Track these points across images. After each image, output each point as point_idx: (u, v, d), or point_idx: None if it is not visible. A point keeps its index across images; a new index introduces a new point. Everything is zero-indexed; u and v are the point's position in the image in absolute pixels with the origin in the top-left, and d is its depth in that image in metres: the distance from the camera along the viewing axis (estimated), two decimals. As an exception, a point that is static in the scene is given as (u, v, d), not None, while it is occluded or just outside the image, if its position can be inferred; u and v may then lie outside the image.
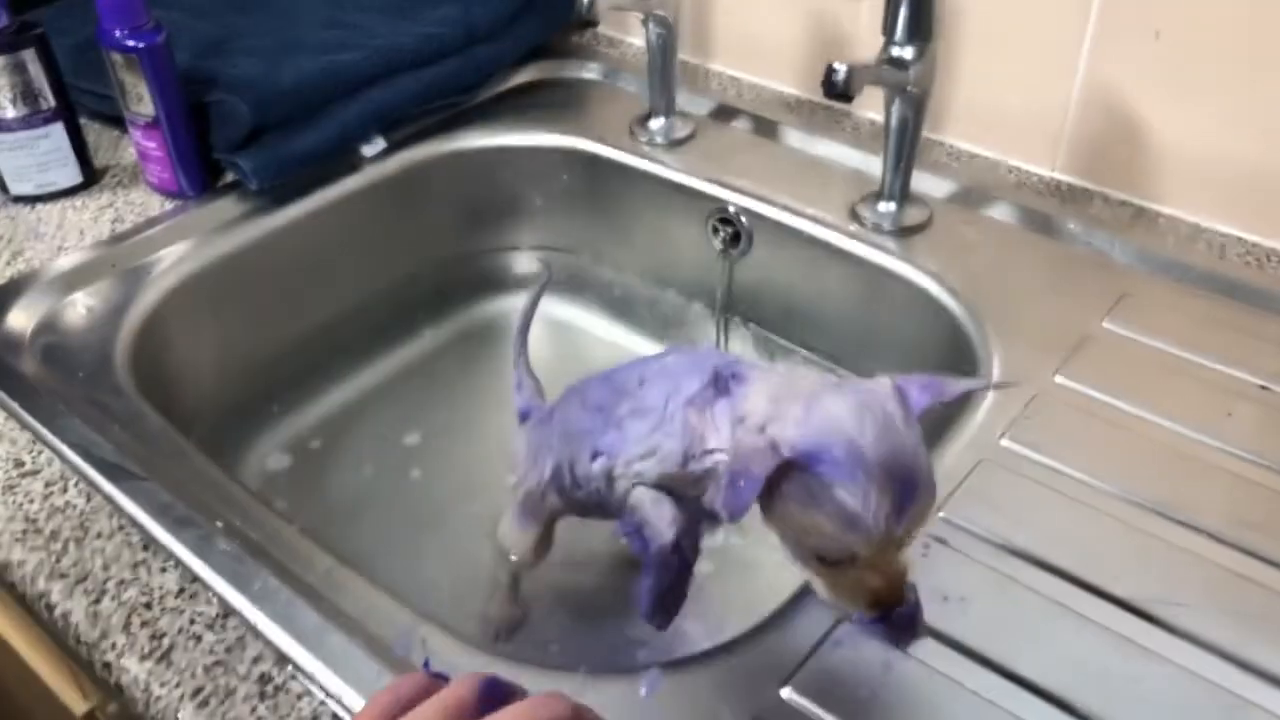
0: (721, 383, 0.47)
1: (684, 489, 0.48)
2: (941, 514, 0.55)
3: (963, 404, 0.63)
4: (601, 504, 0.54)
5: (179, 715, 0.47)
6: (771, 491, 0.42)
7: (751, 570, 0.70)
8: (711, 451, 0.46)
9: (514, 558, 0.63)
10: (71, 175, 0.83)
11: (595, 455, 0.52)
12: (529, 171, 0.94)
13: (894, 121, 0.73)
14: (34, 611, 0.55)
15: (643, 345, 0.93)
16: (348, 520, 0.77)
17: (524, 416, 0.64)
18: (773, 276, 0.85)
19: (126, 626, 0.51)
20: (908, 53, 0.69)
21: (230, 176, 0.84)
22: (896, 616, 0.47)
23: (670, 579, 0.49)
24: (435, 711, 0.33)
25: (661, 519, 0.49)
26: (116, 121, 0.87)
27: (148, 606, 0.52)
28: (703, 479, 0.47)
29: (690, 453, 0.47)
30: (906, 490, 0.41)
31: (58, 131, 0.81)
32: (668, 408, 0.48)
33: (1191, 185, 0.77)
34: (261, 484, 0.79)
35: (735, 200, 0.84)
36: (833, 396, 0.42)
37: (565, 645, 0.67)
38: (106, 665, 0.50)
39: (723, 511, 0.43)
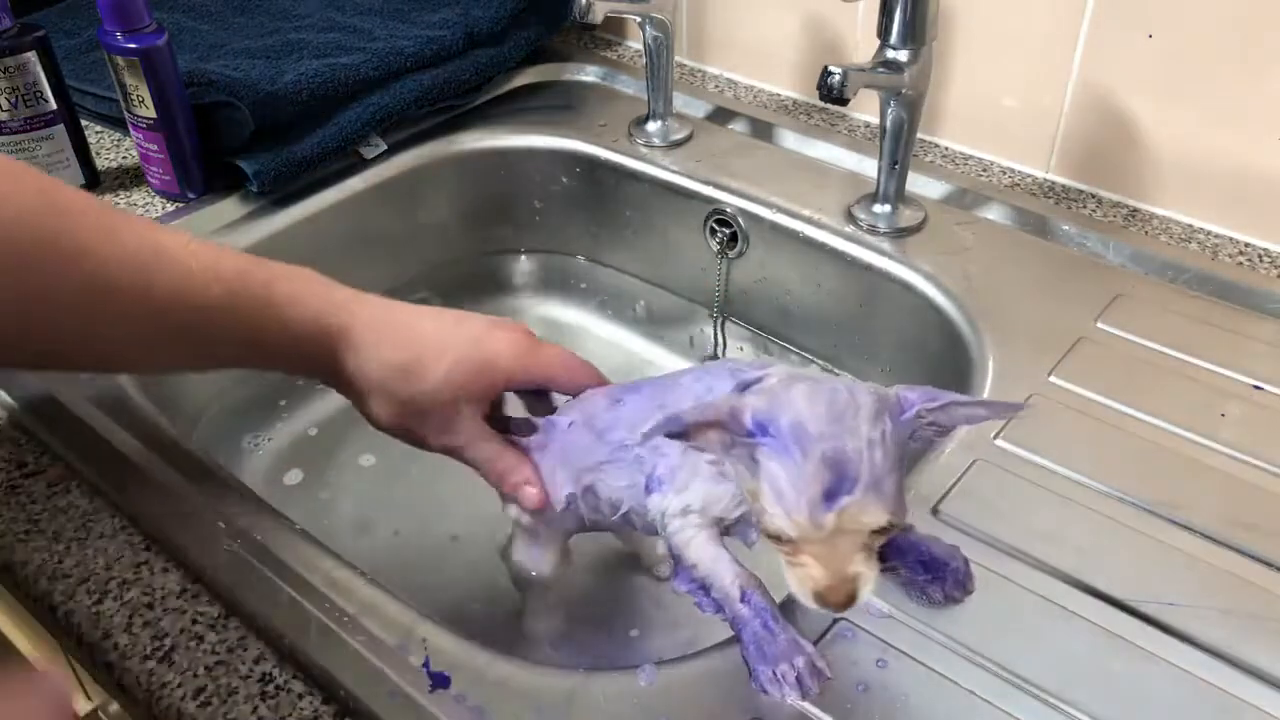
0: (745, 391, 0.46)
1: (729, 511, 0.48)
2: (937, 513, 0.55)
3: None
4: (628, 524, 0.55)
5: (180, 715, 0.47)
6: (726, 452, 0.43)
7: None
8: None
9: (536, 579, 0.62)
10: (73, 177, 0.83)
11: (648, 489, 0.51)
12: (528, 173, 0.95)
13: (889, 124, 0.74)
14: (36, 612, 0.56)
15: (641, 346, 0.93)
16: (348, 519, 0.78)
17: None
18: (769, 277, 0.85)
19: (128, 627, 0.51)
20: (902, 55, 0.70)
21: (231, 179, 0.84)
22: (949, 573, 0.48)
23: (756, 630, 0.48)
24: None
25: (724, 576, 0.48)
26: (118, 123, 0.88)
27: (149, 607, 0.52)
28: (743, 501, 0.46)
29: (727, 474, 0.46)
30: (843, 482, 0.40)
31: (60, 134, 0.81)
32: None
33: (1185, 186, 0.78)
34: (264, 484, 0.79)
35: (732, 202, 0.84)
36: (809, 383, 0.42)
37: (565, 646, 0.68)
38: (108, 665, 0.50)
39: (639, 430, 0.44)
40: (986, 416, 0.43)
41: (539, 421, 0.60)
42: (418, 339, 0.54)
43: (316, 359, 0.53)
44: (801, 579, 0.42)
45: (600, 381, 0.58)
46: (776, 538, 0.42)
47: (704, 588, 0.50)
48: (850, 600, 0.42)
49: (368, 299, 0.55)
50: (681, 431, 0.43)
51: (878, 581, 0.43)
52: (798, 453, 0.40)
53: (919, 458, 0.59)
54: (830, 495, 0.40)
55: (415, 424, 0.55)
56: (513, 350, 0.55)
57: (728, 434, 0.43)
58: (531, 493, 0.56)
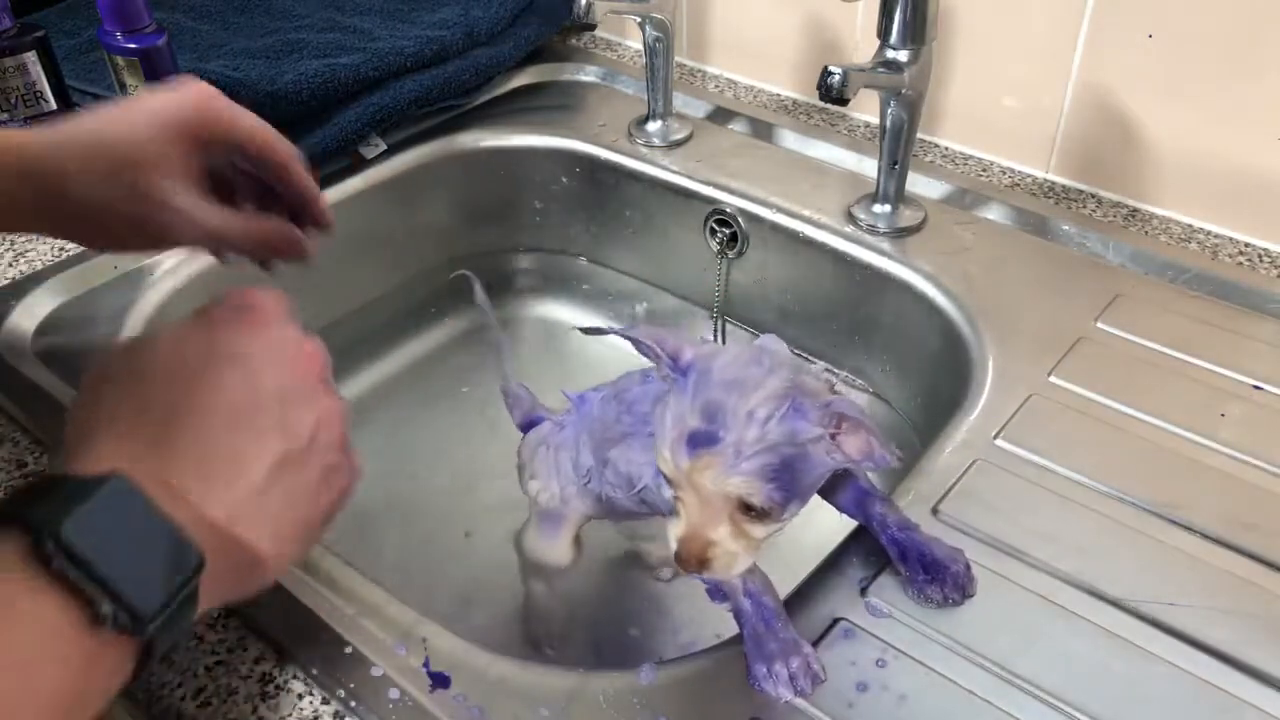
0: None
1: None
2: (937, 513, 0.55)
3: (956, 404, 0.64)
4: (644, 504, 0.55)
5: (180, 715, 0.47)
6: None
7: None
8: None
9: (548, 565, 0.63)
10: (72, 178, 0.83)
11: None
12: (528, 173, 0.95)
13: (889, 124, 0.74)
14: (37, 611, 0.55)
15: (641, 346, 0.93)
16: (350, 517, 0.78)
17: (528, 427, 0.64)
18: (769, 277, 0.85)
19: (129, 626, 0.51)
20: (902, 55, 0.70)
21: (230, 179, 0.84)
22: (949, 576, 0.49)
23: (756, 625, 0.48)
24: None
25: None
26: (117, 124, 0.87)
27: (150, 606, 0.52)
28: None
29: None
30: (707, 436, 0.41)
31: (59, 134, 0.81)
32: None
33: (1184, 186, 0.78)
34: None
35: (732, 202, 0.84)
36: (748, 350, 0.44)
37: (562, 647, 0.68)
38: (109, 664, 0.50)
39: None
40: (868, 452, 0.43)
41: (572, 396, 0.61)
42: (107, 141, 0.51)
43: (39, 211, 0.51)
44: (672, 527, 0.44)
45: (289, 156, 0.55)
46: (665, 475, 0.44)
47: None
48: (700, 563, 0.43)
49: (57, 132, 0.51)
50: (632, 338, 0.46)
51: (745, 565, 0.44)
52: (690, 395, 0.42)
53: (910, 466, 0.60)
54: (693, 441, 0.42)
55: (140, 221, 0.51)
56: (199, 99, 0.52)
57: (662, 361, 0.45)
58: (297, 243, 0.56)
